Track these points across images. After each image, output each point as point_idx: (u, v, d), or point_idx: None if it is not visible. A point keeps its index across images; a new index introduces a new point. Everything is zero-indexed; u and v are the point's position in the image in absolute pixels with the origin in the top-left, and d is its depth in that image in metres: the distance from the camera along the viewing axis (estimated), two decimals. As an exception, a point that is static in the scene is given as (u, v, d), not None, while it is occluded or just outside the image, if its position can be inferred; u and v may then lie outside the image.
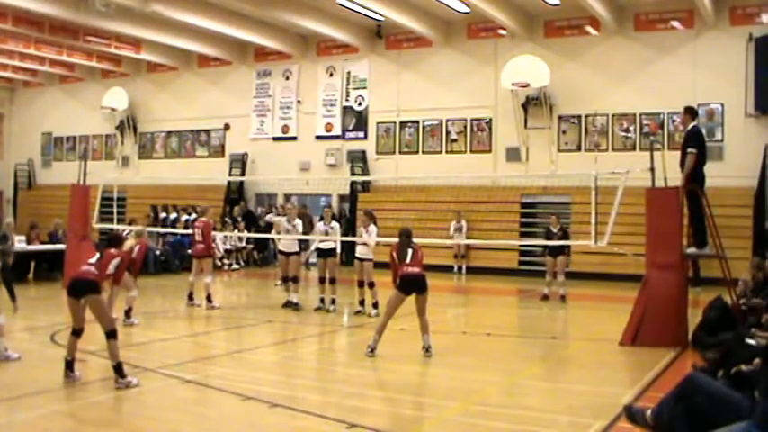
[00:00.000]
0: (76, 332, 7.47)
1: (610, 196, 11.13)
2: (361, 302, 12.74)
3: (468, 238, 19.73)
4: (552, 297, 14.86)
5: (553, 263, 14.92)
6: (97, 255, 7.87)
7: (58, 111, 29.95)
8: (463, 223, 20.05)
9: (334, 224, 13.29)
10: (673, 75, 19.08)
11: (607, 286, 17.15)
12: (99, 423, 6.38)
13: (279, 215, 16.00)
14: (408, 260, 9.19)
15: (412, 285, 9.11)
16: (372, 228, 12.51)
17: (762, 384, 4.53)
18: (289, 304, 13.22)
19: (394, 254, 9.32)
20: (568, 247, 15.00)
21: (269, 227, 16.20)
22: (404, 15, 20.33)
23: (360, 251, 12.76)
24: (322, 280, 13.18)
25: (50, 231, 18.44)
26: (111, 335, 7.28)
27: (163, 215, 23.45)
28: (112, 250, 7.85)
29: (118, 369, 7.21)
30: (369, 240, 12.49)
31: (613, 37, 20.04)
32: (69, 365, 7.39)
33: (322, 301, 13.15)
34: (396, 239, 9.62)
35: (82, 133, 29.29)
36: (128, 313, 11.20)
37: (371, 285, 12.56)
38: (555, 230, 14.89)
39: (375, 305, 12.44)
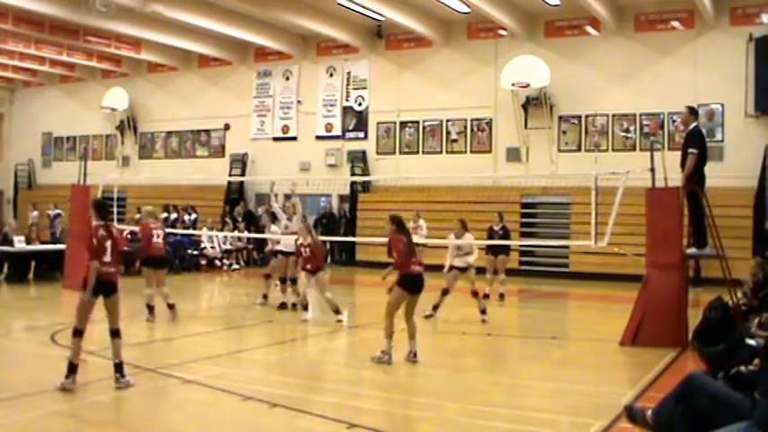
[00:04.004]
0: (81, 333, 7.21)
1: (610, 196, 11.13)
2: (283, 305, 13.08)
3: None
4: (492, 294, 14.77)
5: (494, 261, 14.92)
6: (108, 249, 7.40)
7: (58, 111, 29.95)
8: (421, 223, 18.58)
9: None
10: (673, 75, 19.09)
11: (607, 286, 17.14)
12: (99, 423, 6.38)
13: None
14: (415, 257, 8.72)
15: (418, 285, 8.64)
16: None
17: (762, 384, 4.53)
18: (284, 306, 13.22)
19: (401, 245, 8.66)
20: (509, 246, 15.10)
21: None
22: (404, 15, 20.33)
23: (285, 245, 13.16)
24: (283, 280, 13.33)
25: (51, 231, 18.47)
26: (118, 333, 7.25)
27: (163, 215, 23.44)
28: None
29: (119, 368, 7.20)
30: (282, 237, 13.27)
31: (613, 37, 20.05)
32: (74, 369, 7.11)
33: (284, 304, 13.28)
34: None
35: (82, 133, 29.29)
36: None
37: (294, 281, 12.79)
38: (497, 228, 15.04)
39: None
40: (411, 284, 8.61)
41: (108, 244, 7.24)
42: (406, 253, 8.66)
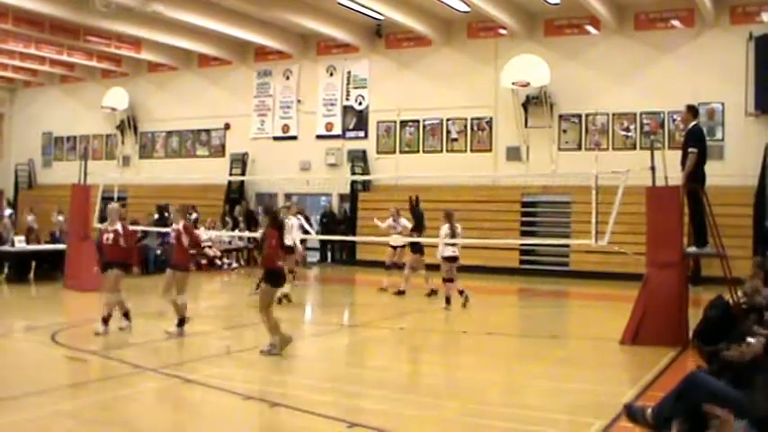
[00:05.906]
0: None
1: (610, 195, 11.11)
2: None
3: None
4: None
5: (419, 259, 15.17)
6: None
7: (59, 111, 29.93)
8: (403, 222, 16.65)
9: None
10: (673, 74, 19.06)
11: (607, 285, 17.13)
12: (99, 423, 6.37)
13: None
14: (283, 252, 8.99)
15: (283, 280, 9.00)
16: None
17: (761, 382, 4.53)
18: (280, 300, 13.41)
19: (274, 241, 8.83)
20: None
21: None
22: (404, 15, 20.32)
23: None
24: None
25: (51, 231, 18.50)
26: None
27: (164, 214, 23.43)
28: None
29: None
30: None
31: (614, 36, 20.03)
32: None
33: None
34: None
35: (82, 133, 29.28)
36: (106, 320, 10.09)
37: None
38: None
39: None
40: (278, 279, 8.89)
41: None
42: (276, 249, 8.89)
